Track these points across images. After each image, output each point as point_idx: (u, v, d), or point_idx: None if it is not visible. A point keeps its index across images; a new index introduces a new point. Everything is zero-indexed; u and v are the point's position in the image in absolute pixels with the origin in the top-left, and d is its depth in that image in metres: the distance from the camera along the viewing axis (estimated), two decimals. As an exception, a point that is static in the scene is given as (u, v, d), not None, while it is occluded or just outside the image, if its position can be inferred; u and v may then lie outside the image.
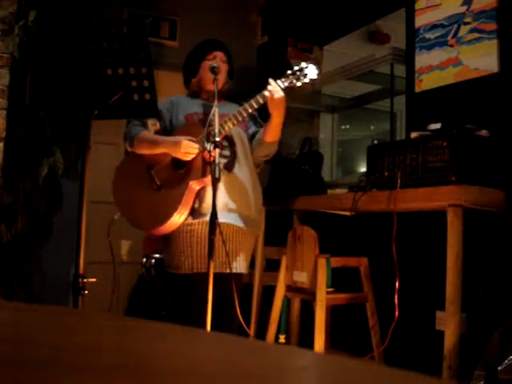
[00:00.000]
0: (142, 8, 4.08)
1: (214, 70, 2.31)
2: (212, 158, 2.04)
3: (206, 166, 2.22)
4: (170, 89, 2.59)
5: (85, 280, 1.78)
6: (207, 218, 2.21)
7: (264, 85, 2.25)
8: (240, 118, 2.23)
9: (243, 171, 2.35)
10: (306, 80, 2.26)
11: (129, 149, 2.40)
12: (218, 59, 2.41)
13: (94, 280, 1.79)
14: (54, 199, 3.48)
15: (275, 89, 2.20)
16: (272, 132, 2.31)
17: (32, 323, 0.50)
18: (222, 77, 2.40)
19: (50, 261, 3.50)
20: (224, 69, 2.42)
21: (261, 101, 2.22)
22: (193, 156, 2.24)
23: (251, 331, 3.26)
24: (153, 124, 2.41)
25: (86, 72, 1.83)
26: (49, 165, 3.43)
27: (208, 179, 2.21)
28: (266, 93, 2.20)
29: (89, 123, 1.86)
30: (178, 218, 2.23)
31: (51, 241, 3.49)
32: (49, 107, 1.94)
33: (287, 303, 3.11)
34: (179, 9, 4.22)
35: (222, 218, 2.07)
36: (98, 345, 0.43)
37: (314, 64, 2.30)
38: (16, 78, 3.32)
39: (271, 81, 2.23)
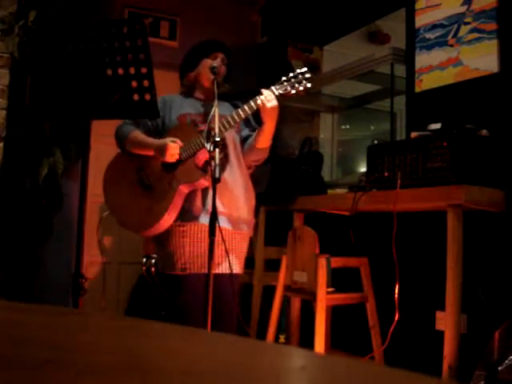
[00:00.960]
0: (142, 8, 4.08)
1: (213, 70, 2.31)
2: (209, 156, 2.04)
3: (197, 169, 2.23)
4: (169, 89, 2.58)
5: (84, 280, 1.77)
6: (199, 221, 2.23)
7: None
8: (232, 123, 2.24)
9: (234, 173, 2.35)
10: (301, 88, 2.25)
11: (119, 148, 2.40)
12: (219, 60, 2.41)
13: (93, 280, 1.79)
14: (54, 199, 3.48)
15: (268, 97, 2.20)
16: (263, 138, 2.33)
17: (32, 323, 0.50)
18: (220, 78, 2.40)
19: (49, 261, 3.50)
20: (222, 71, 2.43)
21: (254, 107, 2.23)
22: (176, 157, 2.23)
23: (251, 331, 3.26)
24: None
25: (86, 72, 1.83)
26: (49, 165, 3.43)
27: (198, 183, 2.23)
28: (259, 101, 2.21)
29: (89, 123, 1.85)
30: (168, 220, 2.24)
31: (51, 241, 3.49)
32: (49, 107, 1.93)
33: (287, 303, 3.11)
34: (179, 9, 4.22)
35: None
36: (98, 345, 0.43)
37: (309, 72, 2.29)
38: (16, 78, 3.32)
39: (264, 90, 2.23)
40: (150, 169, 2.32)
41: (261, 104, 2.20)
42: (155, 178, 2.30)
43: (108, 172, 2.41)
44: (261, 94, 2.23)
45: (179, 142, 2.25)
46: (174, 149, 2.22)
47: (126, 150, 2.37)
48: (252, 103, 2.23)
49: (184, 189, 2.25)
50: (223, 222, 2.28)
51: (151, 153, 2.29)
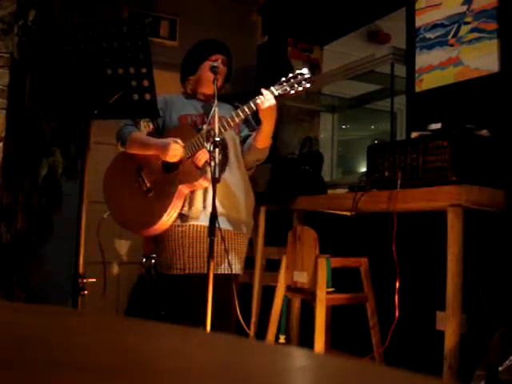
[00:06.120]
0: (142, 8, 4.08)
1: (214, 70, 2.30)
2: (209, 156, 2.04)
3: (197, 169, 2.23)
4: (169, 89, 2.58)
5: (84, 280, 1.77)
6: (198, 222, 2.24)
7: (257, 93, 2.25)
8: (232, 124, 2.23)
9: (234, 174, 2.35)
10: (300, 88, 2.25)
11: (120, 149, 2.40)
12: (219, 61, 2.41)
13: (93, 280, 1.79)
14: (54, 199, 3.48)
15: (267, 97, 2.20)
16: (263, 139, 2.32)
17: (32, 323, 0.50)
18: (221, 79, 2.40)
19: (49, 261, 3.50)
20: (223, 72, 2.43)
21: (253, 107, 2.22)
22: (178, 157, 2.23)
23: (251, 331, 3.26)
24: (145, 126, 2.40)
25: (86, 72, 1.83)
26: (48, 165, 3.43)
27: (198, 183, 2.22)
28: (258, 101, 2.20)
29: (89, 123, 1.85)
30: (167, 221, 2.24)
31: (51, 241, 3.48)
32: (48, 107, 1.93)
33: (287, 303, 3.11)
34: (179, 9, 4.22)
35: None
36: (98, 345, 0.43)
37: (309, 71, 2.28)
38: (16, 78, 3.32)
39: (263, 90, 2.23)
40: (150, 169, 2.32)
41: (260, 104, 2.20)
42: (155, 179, 2.30)
43: (109, 172, 2.42)
44: (260, 94, 2.23)
45: (181, 142, 2.25)
46: (176, 149, 2.22)
47: (126, 151, 2.37)
48: (251, 104, 2.23)
49: (184, 189, 2.25)
50: (223, 223, 2.28)
51: (152, 152, 2.29)
